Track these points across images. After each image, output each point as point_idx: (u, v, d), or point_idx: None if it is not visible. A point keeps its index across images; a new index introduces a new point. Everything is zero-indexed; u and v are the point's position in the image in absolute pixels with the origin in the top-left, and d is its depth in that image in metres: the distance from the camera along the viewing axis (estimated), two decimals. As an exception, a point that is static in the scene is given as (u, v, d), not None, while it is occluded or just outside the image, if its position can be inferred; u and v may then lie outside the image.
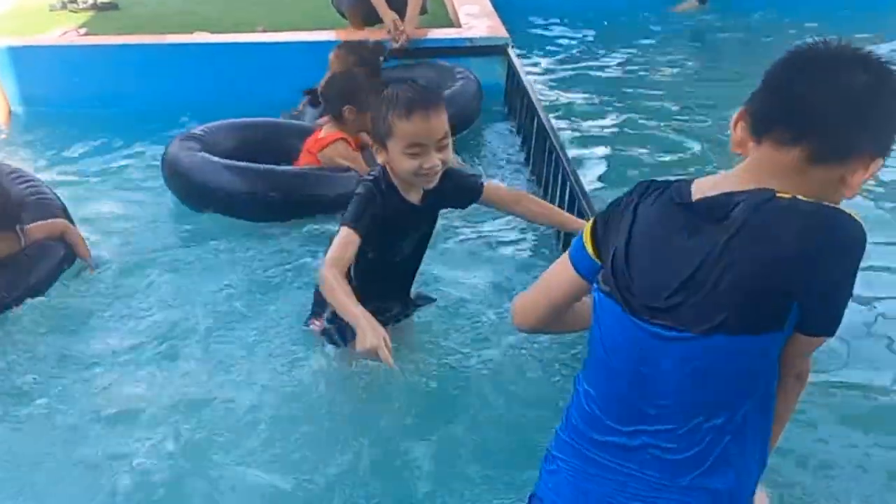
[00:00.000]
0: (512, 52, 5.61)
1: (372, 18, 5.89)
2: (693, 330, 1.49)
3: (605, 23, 7.72)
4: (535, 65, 6.74)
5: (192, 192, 4.19)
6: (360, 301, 2.38)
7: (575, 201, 3.56)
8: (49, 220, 3.68)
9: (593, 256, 1.67)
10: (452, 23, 6.33)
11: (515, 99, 5.25)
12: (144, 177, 4.70)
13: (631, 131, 5.42)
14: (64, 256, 3.63)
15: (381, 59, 4.74)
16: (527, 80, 5.07)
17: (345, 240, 2.49)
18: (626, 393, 1.59)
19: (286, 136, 4.53)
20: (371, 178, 2.61)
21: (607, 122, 5.61)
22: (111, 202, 4.43)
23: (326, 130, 4.19)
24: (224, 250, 3.90)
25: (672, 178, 1.63)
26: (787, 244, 1.42)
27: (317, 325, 2.89)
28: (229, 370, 3.07)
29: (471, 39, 5.79)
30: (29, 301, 3.43)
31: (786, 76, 1.49)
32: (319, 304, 2.85)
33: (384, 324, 2.34)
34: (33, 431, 2.87)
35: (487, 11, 6.34)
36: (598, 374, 1.65)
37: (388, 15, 5.59)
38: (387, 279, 2.75)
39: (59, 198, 3.92)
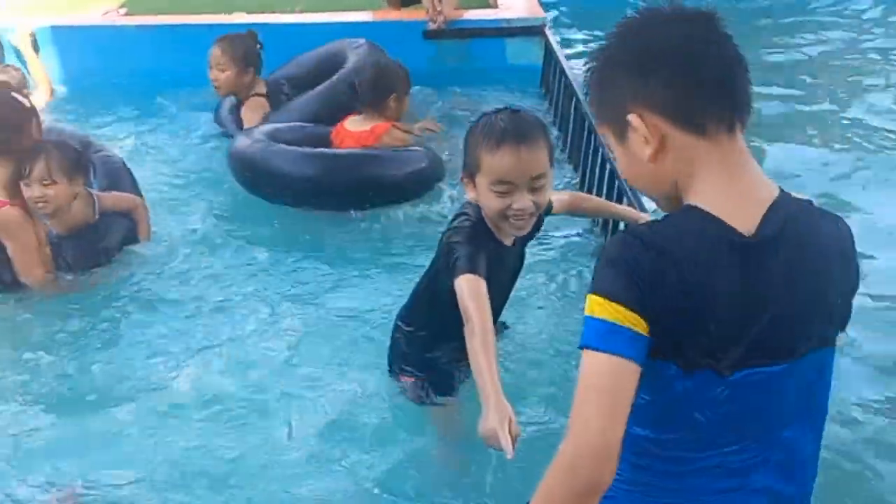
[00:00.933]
0: (549, 33, 5.60)
1: (408, 0, 5.92)
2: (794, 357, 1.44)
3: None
4: (573, 44, 6.70)
5: (259, 180, 4.20)
6: (446, 340, 2.32)
7: (614, 183, 3.57)
8: (125, 194, 3.81)
9: (646, 334, 1.35)
10: (489, 3, 6.31)
11: (553, 81, 5.25)
12: (193, 155, 4.80)
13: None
14: (127, 233, 3.75)
15: (259, 46, 4.88)
16: (564, 60, 5.06)
17: (477, 290, 2.17)
18: None
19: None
20: (465, 218, 2.35)
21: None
22: (161, 181, 4.50)
23: (365, 122, 4.29)
24: (280, 233, 4.00)
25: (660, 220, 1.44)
26: (838, 257, 1.45)
27: (407, 380, 2.67)
28: (294, 372, 3.08)
29: (507, 20, 5.78)
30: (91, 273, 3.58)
31: (689, 51, 1.38)
32: (404, 359, 2.68)
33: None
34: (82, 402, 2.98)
35: (526, -9, 6.33)
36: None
37: (426, -5, 5.61)
38: None
39: (130, 172, 4.02)
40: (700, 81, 1.38)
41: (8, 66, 5.16)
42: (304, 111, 4.68)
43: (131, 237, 3.77)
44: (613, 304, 1.34)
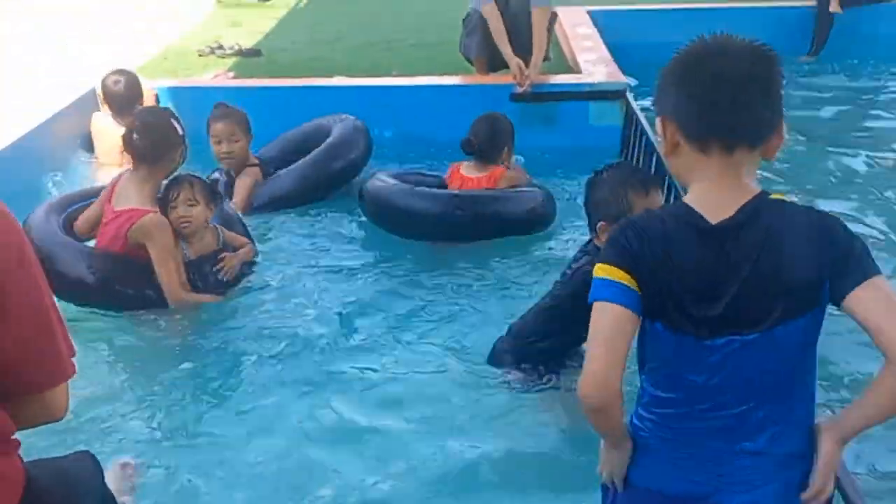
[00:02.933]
0: (630, 97, 5.91)
1: (496, 64, 6.28)
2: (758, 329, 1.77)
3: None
4: (651, 109, 6.98)
5: (391, 217, 4.68)
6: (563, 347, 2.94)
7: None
8: (239, 236, 4.26)
9: (638, 291, 1.77)
10: (572, 69, 6.67)
11: (633, 141, 5.54)
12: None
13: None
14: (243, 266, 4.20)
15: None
16: (646, 122, 5.36)
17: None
18: None
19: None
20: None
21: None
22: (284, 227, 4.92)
23: (481, 169, 4.74)
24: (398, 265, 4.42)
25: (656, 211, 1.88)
26: (805, 243, 1.74)
27: (517, 375, 3.29)
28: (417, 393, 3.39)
29: (591, 84, 6.12)
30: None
31: (704, 87, 1.73)
32: (521, 352, 3.29)
33: None
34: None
35: (605, 58, 6.67)
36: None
37: (513, 61, 5.95)
38: None
39: (243, 221, 4.48)
40: (714, 102, 1.72)
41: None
42: (295, 177, 5.11)
43: (247, 271, 4.18)
44: (610, 267, 1.79)
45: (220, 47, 7.73)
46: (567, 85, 6.16)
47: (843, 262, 1.74)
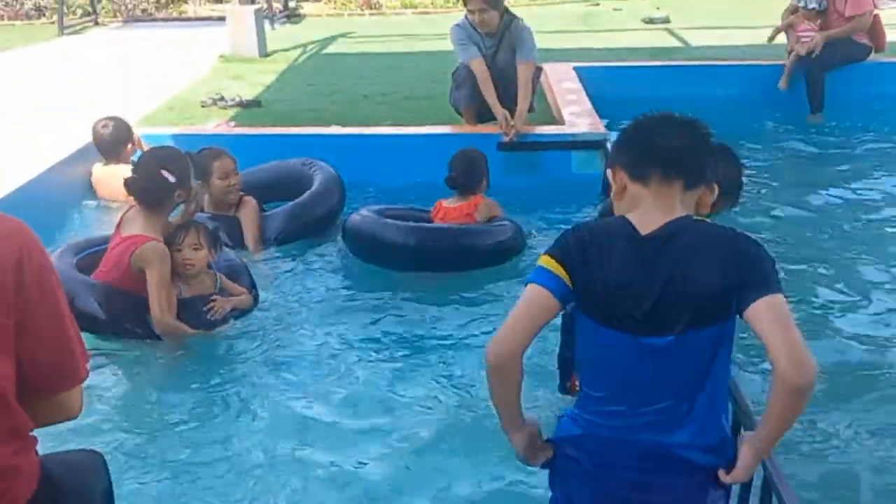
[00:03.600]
0: (609, 146, 6.23)
1: (484, 116, 6.62)
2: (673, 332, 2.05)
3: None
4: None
5: (371, 249, 5.00)
6: None
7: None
8: (241, 289, 4.46)
9: (569, 284, 2.07)
10: (556, 120, 7.01)
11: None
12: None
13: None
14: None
15: None
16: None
17: None
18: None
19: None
20: None
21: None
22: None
23: (462, 199, 5.13)
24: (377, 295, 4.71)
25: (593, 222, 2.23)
26: (718, 258, 2.03)
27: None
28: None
29: (573, 135, 6.45)
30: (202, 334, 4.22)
31: (648, 136, 2.10)
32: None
33: None
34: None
35: (588, 111, 7.00)
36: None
37: (500, 112, 6.28)
38: None
39: (249, 272, 4.68)
40: (655, 146, 2.08)
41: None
42: (283, 219, 5.42)
43: (236, 315, 4.39)
44: (548, 258, 2.10)
45: (222, 98, 8.06)
46: (551, 135, 6.50)
47: (749, 277, 1.99)
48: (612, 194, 2.17)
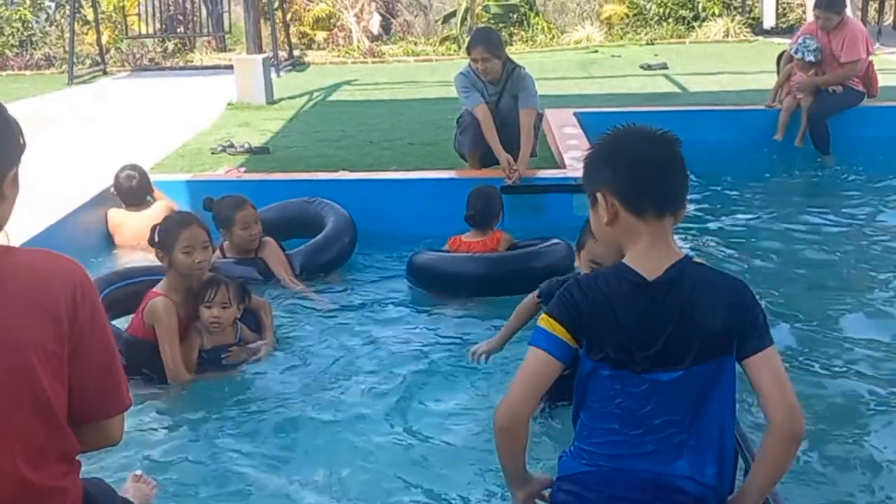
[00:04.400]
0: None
1: (488, 160, 6.78)
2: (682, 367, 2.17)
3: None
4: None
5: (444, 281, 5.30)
6: None
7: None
8: (257, 337, 4.55)
9: (571, 343, 2.16)
10: (557, 164, 7.20)
11: (613, 228, 5.99)
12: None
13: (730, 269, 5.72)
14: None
15: None
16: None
17: None
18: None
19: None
20: None
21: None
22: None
23: (482, 234, 5.45)
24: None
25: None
26: (720, 303, 2.16)
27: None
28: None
29: (575, 178, 6.60)
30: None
31: (654, 173, 2.16)
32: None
33: None
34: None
35: (589, 155, 7.18)
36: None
37: (503, 156, 6.44)
38: None
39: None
40: (645, 176, 2.15)
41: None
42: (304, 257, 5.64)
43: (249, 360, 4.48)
44: (551, 320, 2.17)
45: (231, 145, 8.26)
46: (552, 179, 6.67)
47: (749, 328, 2.16)
48: (598, 218, 2.21)
